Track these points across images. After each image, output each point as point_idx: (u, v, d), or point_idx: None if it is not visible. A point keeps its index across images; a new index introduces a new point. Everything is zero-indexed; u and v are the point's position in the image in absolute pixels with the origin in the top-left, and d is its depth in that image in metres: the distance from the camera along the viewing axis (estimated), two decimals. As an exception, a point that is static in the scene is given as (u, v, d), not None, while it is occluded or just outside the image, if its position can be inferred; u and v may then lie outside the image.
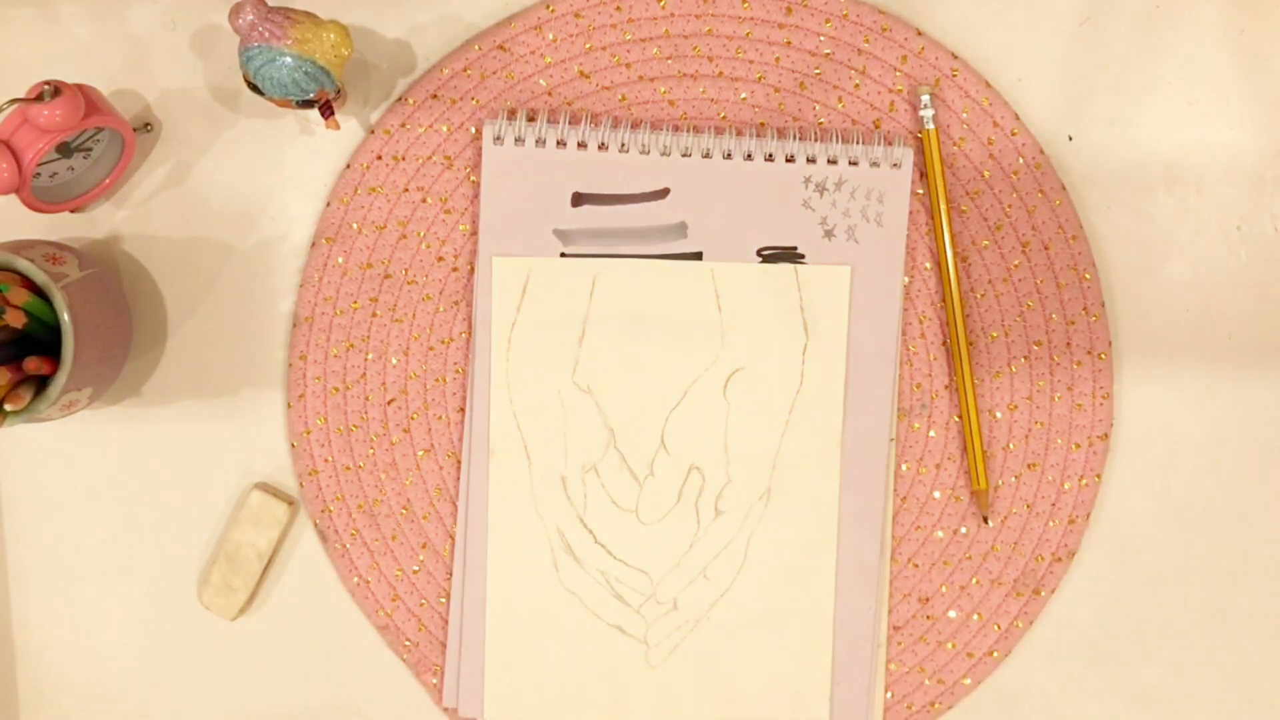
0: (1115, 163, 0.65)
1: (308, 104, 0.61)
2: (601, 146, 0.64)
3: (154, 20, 0.66)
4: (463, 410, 0.65)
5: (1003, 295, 0.64)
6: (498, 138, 0.64)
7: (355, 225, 0.65)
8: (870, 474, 0.64)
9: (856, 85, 0.65)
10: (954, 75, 0.64)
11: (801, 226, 0.64)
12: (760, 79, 0.65)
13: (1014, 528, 0.64)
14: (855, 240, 0.64)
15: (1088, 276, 0.64)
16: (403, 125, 0.65)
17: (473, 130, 0.65)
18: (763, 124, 0.65)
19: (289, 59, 0.58)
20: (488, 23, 0.66)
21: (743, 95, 0.65)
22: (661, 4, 0.65)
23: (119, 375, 0.65)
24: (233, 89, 0.66)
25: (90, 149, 0.64)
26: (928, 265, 0.65)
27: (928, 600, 0.65)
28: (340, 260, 0.65)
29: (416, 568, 0.66)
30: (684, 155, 0.64)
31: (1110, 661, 0.65)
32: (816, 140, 0.64)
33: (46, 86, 0.59)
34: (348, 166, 0.65)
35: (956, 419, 0.65)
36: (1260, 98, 0.65)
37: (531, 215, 0.64)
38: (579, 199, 0.64)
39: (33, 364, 0.59)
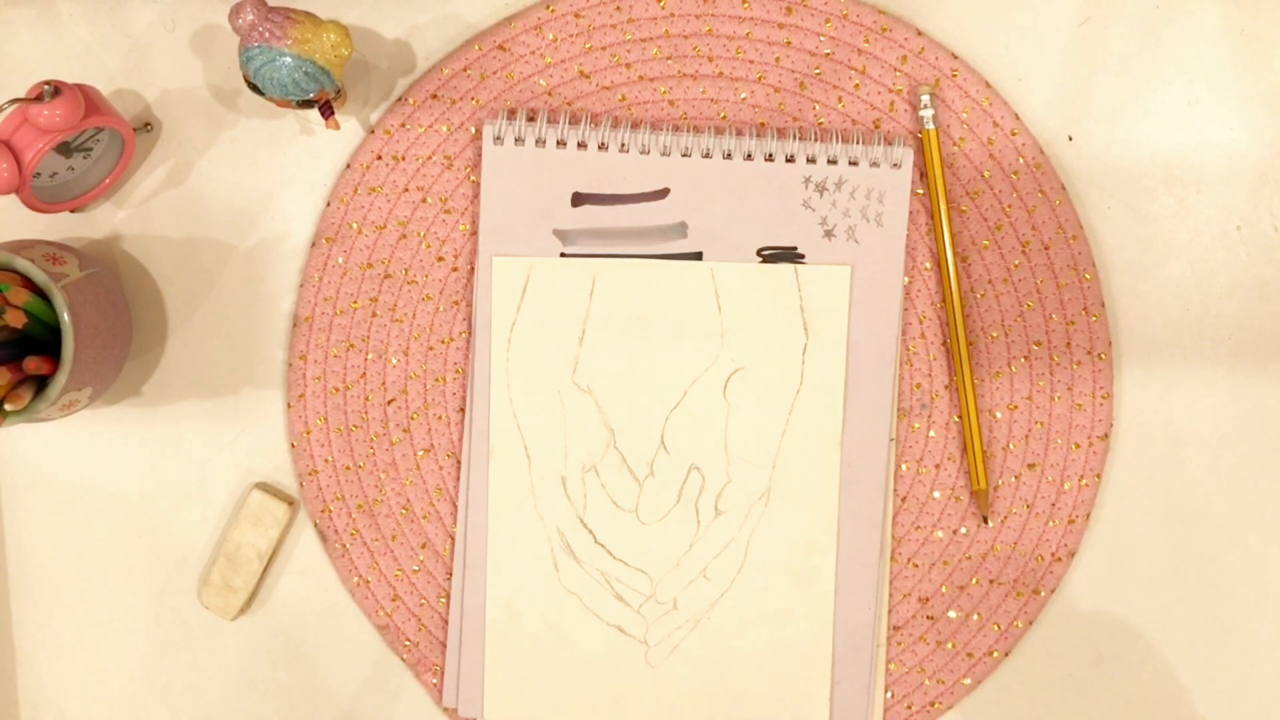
0: (1115, 163, 0.65)
1: (308, 104, 0.61)
2: (601, 146, 0.64)
3: (154, 20, 0.66)
4: (463, 410, 0.65)
5: (1003, 295, 0.64)
6: (498, 138, 0.64)
7: (355, 225, 0.65)
8: (870, 474, 0.64)
9: (856, 85, 0.65)
10: (954, 75, 0.64)
11: (801, 226, 0.64)
12: (760, 79, 0.65)
13: (1014, 528, 0.64)
14: (855, 240, 0.64)
15: (1088, 276, 0.64)
16: (403, 125, 0.65)
17: (473, 130, 0.65)
18: (763, 124, 0.65)
19: (289, 59, 0.58)
20: (488, 23, 0.66)
21: (743, 95, 0.65)
22: (661, 4, 0.65)
23: (119, 375, 0.65)
24: (233, 89, 0.66)
25: (90, 149, 0.64)
26: (928, 265, 0.65)
27: (928, 600, 0.65)
28: (340, 260, 0.65)
29: (416, 568, 0.66)
30: (684, 155, 0.64)
31: (1110, 661, 0.65)
32: (816, 140, 0.64)
33: (46, 86, 0.59)
34: (348, 166, 0.65)
35: (956, 419, 0.65)
36: (1260, 98, 0.65)
37: (531, 215, 0.64)
38: (579, 199, 0.64)
39: (33, 364, 0.59)
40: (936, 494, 0.65)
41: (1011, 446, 0.64)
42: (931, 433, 0.65)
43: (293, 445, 0.66)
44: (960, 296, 0.64)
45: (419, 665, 0.66)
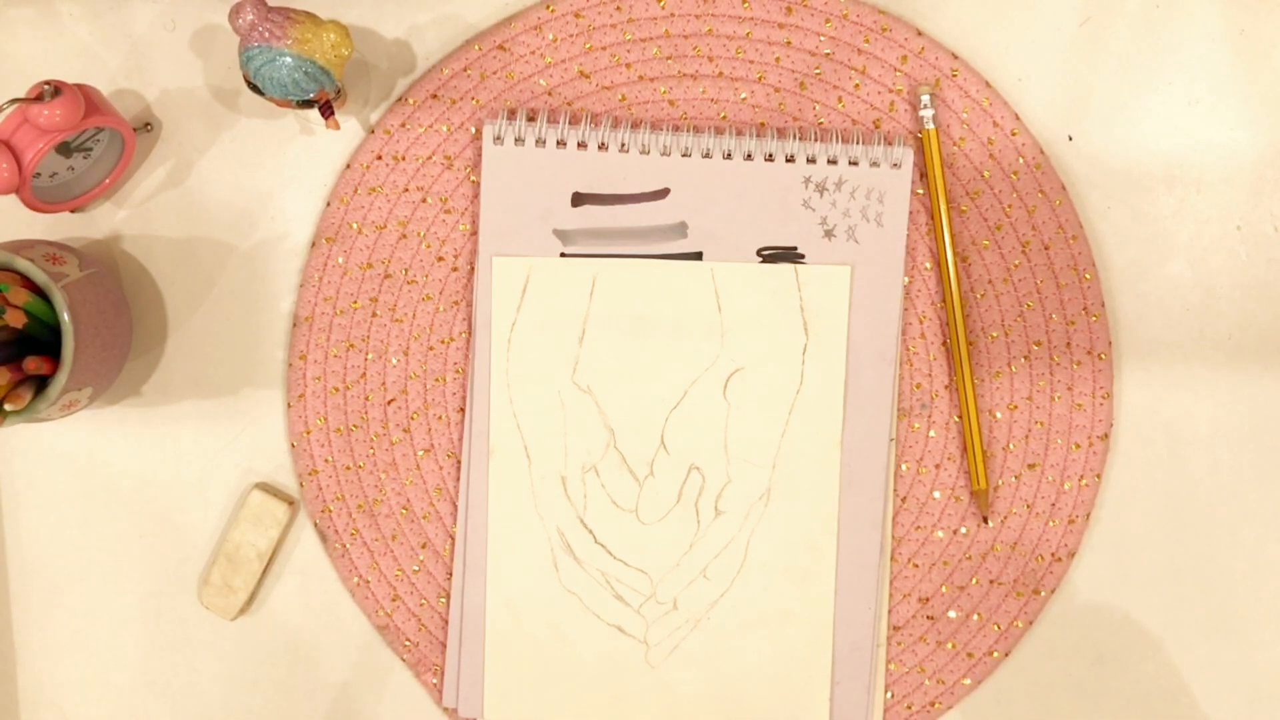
0: (1115, 163, 0.65)
1: (308, 104, 0.61)
2: (601, 146, 0.64)
3: (154, 20, 0.66)
4: (463, 410, 0.65)
5: (1003, 295, 0.64)
6: (498, 138, 0.64)
7: (355, 225, 0.65)
8: (870, 474, 0.64)
9: (856, 85, 0.65)
10: (954, 75, 0.64)
11: (801, 226, 0.64)
12: (760, 79, 0.65)
13: (1014, 528, 0.64)
14: (855, 240, 0.64)
15: (1088, 276, 0.64)
16: (403, 125, 0.65)
17: (473, 130, 0.65)
18: (763, 124, 0.65)
19: (289, 59, 0.58)
20: (488, 23, 0.66)
21: (743, 95, 0.65)
22: (661, 4, 0.65)
23: (119, 375, 0.65)
24: (233, 89, 0.66)
25: (90, 149, 0.64)
26: (928, 265, 0.65)
27: (928, 600, 0.65)
28: (340, 260, 0.65)
29: (416, 568, 0.66)
30: (684, 155, 0.64)
31: (1110, 661, 0.65)
32: (816, 140, 0.64)
33: (46, 86, 0.59)
34: (348, 166, 0.65)
35: (956, 419, 0.65)
36: (1260, 98, 0.65)
37: (531, 215, 0.64)
38: (579, 199, 0.64)
39: (33, 364, 0.59)
40: (936, 494, 0.65)
41: (1011, 446, 0.64)
42: (931, 433, 0.65)
43: (293, 445, 0.66)
44: (960, 296, 0.64)
45: (419, 665, 0.66)
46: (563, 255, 0.64)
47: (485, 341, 0.64)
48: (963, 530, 0.65)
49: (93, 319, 0.60)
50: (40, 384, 0.60)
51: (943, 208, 0.64)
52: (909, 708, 0.65)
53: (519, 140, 0.64)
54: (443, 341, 0.65)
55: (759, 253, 0.64)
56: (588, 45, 0.65)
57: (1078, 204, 0.65)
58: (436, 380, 0.65)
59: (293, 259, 0.66)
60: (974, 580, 0.65)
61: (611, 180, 0.64)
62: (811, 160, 0.64)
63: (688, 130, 0.65)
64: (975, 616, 0.65)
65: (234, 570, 0.65)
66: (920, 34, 0.64)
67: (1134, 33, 0.65)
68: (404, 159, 0.65)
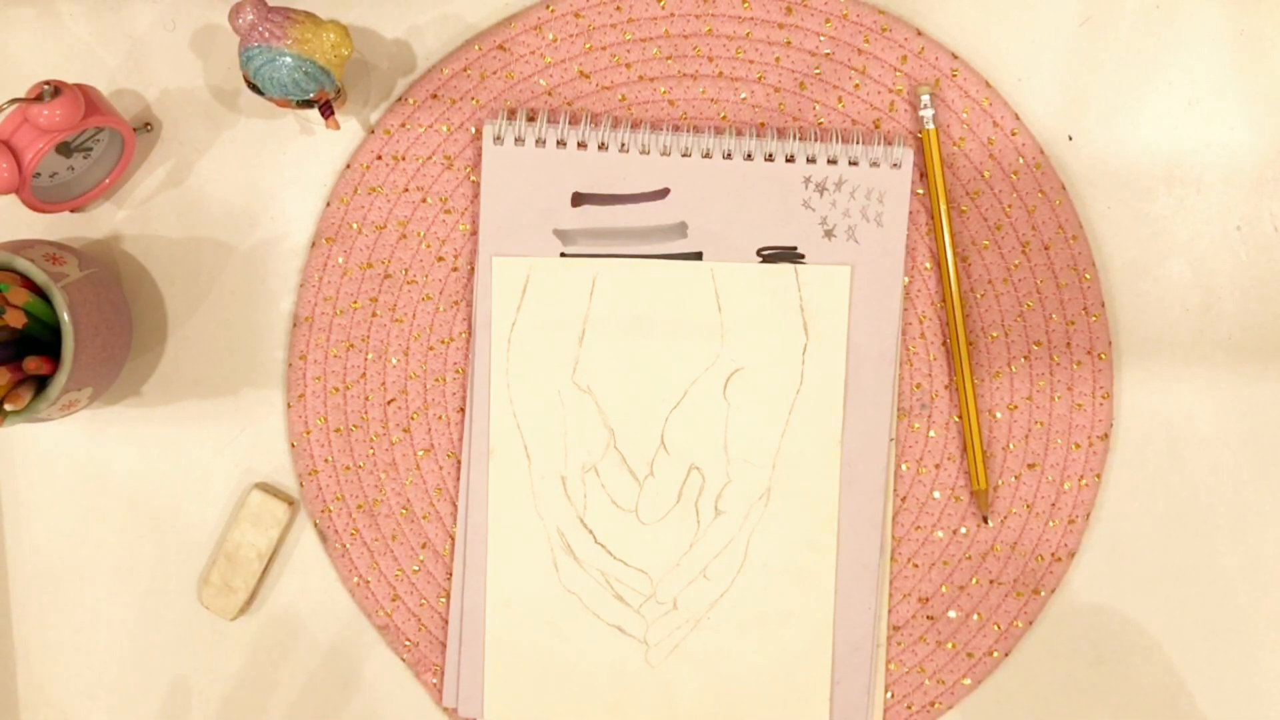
0: (1115, 163, 0.65)
1: (308, 104, 0.61)
2: (601, 146, 0.64)
3: (154, 20, 0.66)
4: (463, 410, 0.65)
5: (1003, 295, 0.64)
6: (498, 138, 0.64)
7: (355, 225, 0.65)
8: (870, 474, 0.64)
9: (856, 85, 0.65)
10: (954, 75, 0.64)
11: (801, 226, 0.64)
12: (760, 79, 0.65)
13: (1014, 528, 0.64)
14: (855, 240, 0.64)
15: (1088, 276, 0.64)
16: (403, 125, 0.65)
17: (473, 130, 0.65)
18: (763, 124, 0.65)
19: (289, 59, 0.58)
20: (488, 23, 0.66)
21: (743, 95, 0.65)
22: (661, 4, 0.65)
23: (119, 375, 0.65)
24: (233, 89, 0.66)
25: (90, 149, 0.64)
26: (928, 265, 0.65)
27: (928, 600, 0.65)
28: (340, 260, 0.65)
29: (416, 568, 0.66)
30: (684, 155, 0.64)
31: (1110, 661, 0.65)
32: (816, 140, 0.64)
33: (46, 86, 0.59)
34: (348, 166, 0.65)
35: (956, 419, 0.65)
36: (1260, 98, 0.65)
37: (531, 215, 0.64)
38: (579, 199, 0.64)
39: (33, 364, 0.59)
40: (936, 494, 0.65)
41: (1011, 446, 0.64)
42: (931, 433, 0.65)
43: (293, 445, 0.66)
44: (960, 296, 0.64)
45: (419, 665, 0.66)
46: (563, 255, 0.64)
47: (485, 341, 0.64)
48: (963, 530, 0.65)
49: (93, 319, 0.60)
50: (40, 384, 0.60)
51: (943, 208, 0.64)
52: (909, 708, 0.65)
53: (519, 140, 0.64)
54: (443, 341, 0.65)
55: (759, 253, 0.64)
56: (588, 45, 0.65)
57: (1078, 204, 0.65)
58: (436, 380, 0.65)
59: (293, 259, 0.66)
60: (974, 580, 0.65)
61: (611, 180, 0.64)
62: (811, 160, 0.64)
63: (688, 130, 0.65)
64: (975, 616, 0.65)
65: (234, 570, 0.65)
66: (920, 34, 0.64)
67: (1134, 33, 0.65)
68: (404, 159, 0.65)
